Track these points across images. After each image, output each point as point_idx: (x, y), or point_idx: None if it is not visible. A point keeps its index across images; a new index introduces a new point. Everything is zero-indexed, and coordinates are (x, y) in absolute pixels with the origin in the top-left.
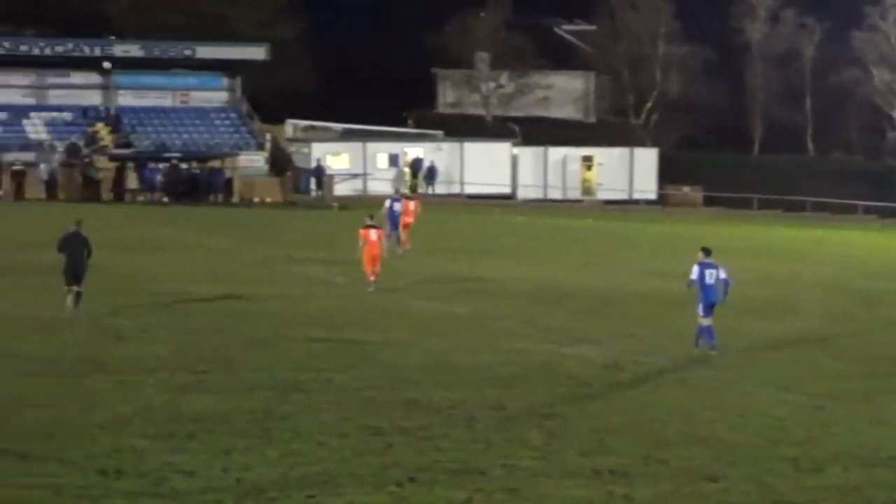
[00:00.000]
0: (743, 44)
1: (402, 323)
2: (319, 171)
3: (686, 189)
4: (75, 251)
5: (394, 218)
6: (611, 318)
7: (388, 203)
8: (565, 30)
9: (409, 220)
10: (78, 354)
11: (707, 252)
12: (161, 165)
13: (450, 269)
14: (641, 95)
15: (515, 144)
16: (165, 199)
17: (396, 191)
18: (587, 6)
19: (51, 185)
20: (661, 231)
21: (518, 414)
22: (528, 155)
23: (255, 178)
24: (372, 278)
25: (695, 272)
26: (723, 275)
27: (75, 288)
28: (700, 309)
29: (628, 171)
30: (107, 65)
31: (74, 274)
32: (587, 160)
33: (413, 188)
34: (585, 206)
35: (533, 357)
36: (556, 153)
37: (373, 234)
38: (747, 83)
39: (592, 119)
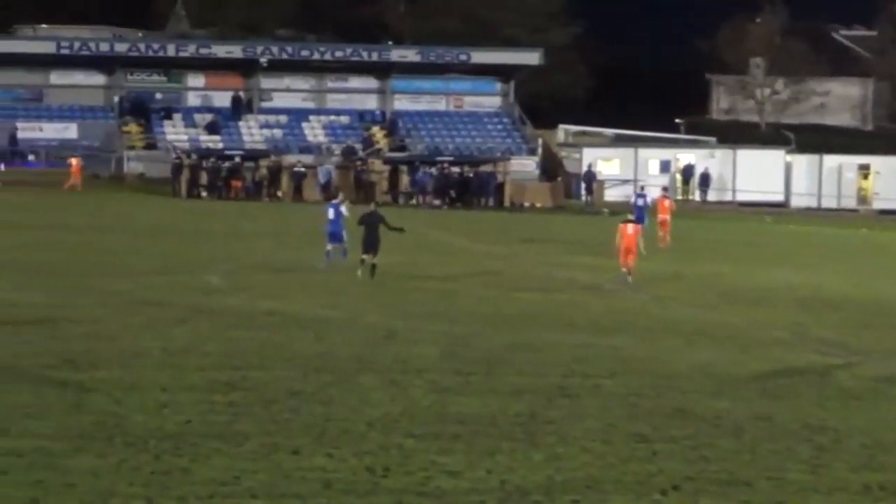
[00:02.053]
0: None
1: (669, 330)
2: (590, 177)
3: None
4: (371, 226)
5: (637, 212)
6: (884, 330)
7: (632, 198)
8: (844, 35)
9: (664, 216)
10: (349, 353)
11: None
12: (432, 169)
13: (719, 277)
14: None
15: (790, 152)
16: (436, 202)
17: (641, 187)
18: (867, 12)
19: (326, 188)
20: None
21: (786, 425)
22: (802, 162)
23: (526, 183)
24: (625, 269)
25: None
26: None
27: (368, 259)
28: None
29: None
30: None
31: (371, 245)
32: (864, 168)
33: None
34: (860, 216)
35: (802, 368)
36: (832, 161)
37: (629, 228)
38: None
39: (870, 127)
